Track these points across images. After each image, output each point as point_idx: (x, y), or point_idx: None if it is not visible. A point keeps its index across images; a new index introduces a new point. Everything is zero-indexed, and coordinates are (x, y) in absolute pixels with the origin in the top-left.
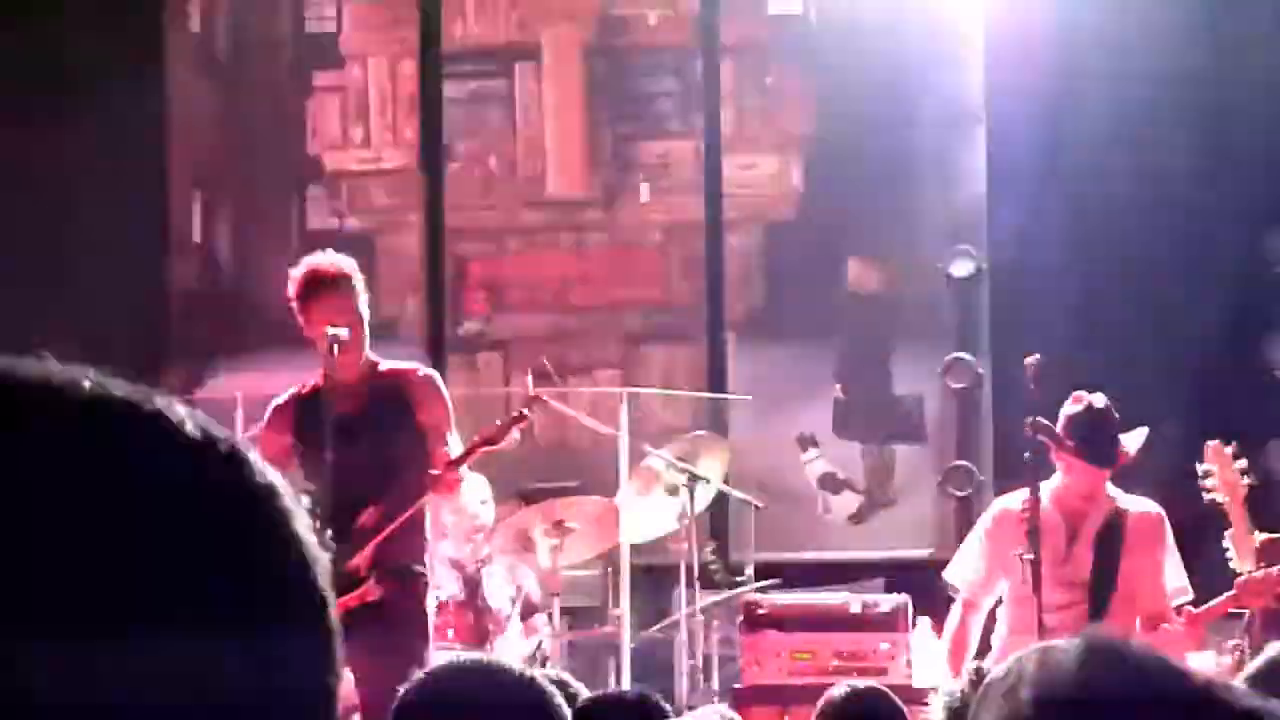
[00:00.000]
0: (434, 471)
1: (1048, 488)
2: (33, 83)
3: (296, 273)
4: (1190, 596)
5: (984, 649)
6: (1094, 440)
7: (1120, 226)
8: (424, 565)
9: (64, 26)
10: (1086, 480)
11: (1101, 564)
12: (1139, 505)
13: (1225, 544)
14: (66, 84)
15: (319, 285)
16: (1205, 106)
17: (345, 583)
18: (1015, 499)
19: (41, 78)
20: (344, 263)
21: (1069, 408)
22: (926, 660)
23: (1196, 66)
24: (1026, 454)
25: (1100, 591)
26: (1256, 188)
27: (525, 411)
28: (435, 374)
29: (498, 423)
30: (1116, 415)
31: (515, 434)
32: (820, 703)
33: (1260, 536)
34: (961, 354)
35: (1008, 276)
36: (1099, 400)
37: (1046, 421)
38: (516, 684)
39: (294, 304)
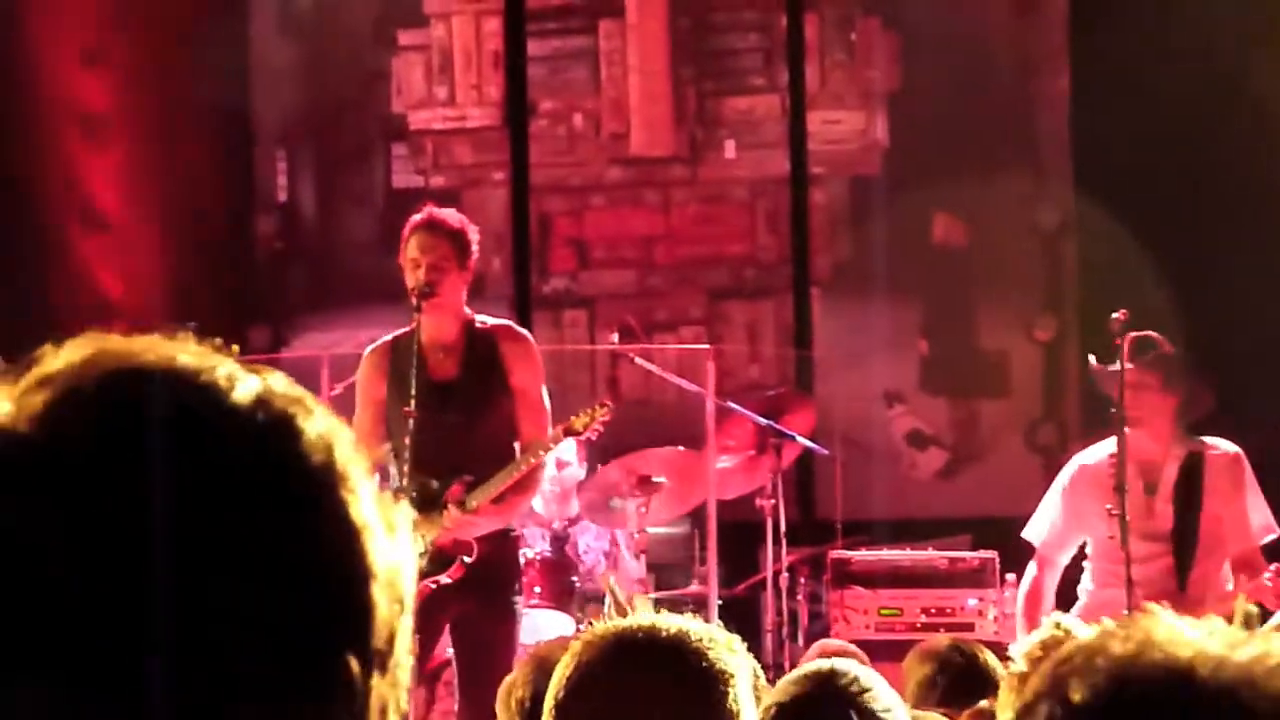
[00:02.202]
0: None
1: (1123, 442)
2: (121, 38)
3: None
4: (1277, 534)
5: (1066, 603)
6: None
7: (1208, 177)
8: (515, 525)
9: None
10: (1164, 425)
11: (1183, 512)
12: (1215, 447)
13: None
14: (157, 41)
15: (422, 230)
16: None
17: (440, 549)
18: (1092, 454)
19: (132, 32)
20: (459, 218)
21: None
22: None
23: None
24: (1112, 409)
25: (1184, 541)
26: None
27: (609, 404)
28: (529, 335)
29: (582, 415)
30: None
31: (598, 426)
32: (916, 655)
33: None
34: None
35: (1094, 230)
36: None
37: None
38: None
39: (402, 249)
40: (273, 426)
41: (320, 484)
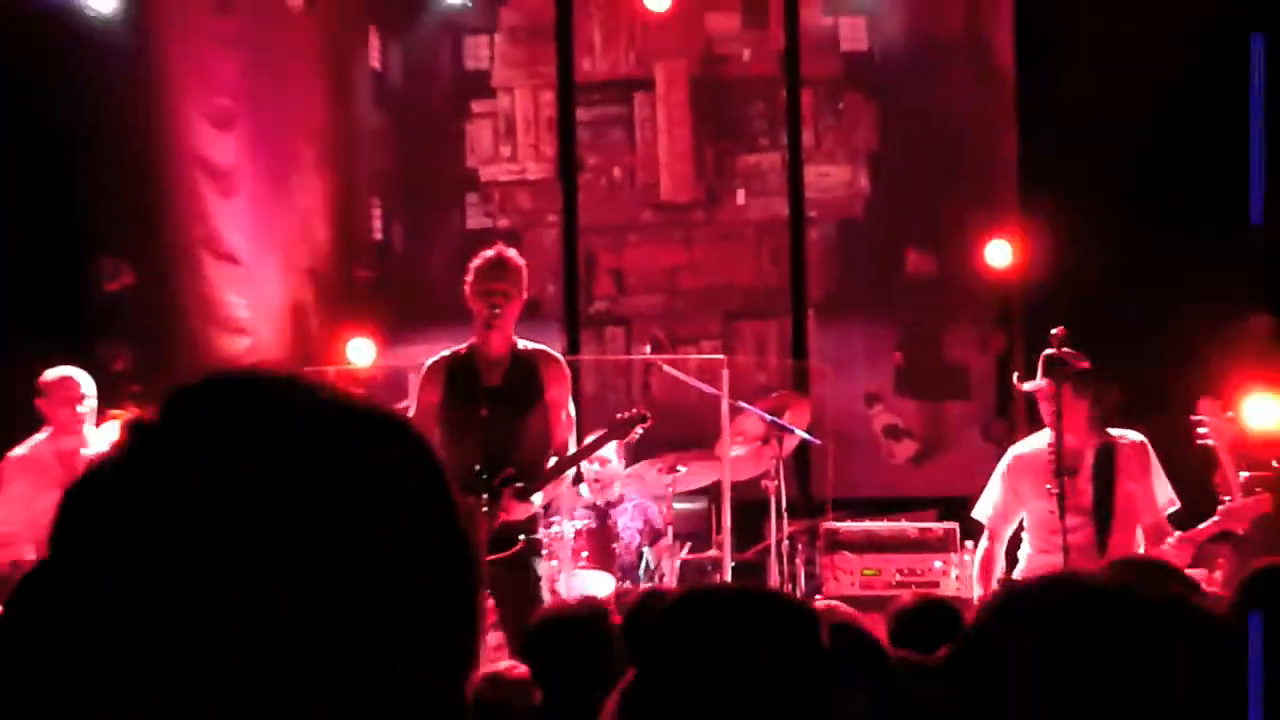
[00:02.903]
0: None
1: (1049, 434)
2: (246, 104)
3: (484, 254)
4: (1178, 505)
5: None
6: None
7: (1138, 219)
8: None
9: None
10: (1080, 422)
11: (1101, 491)
12: (1124, 437)
13: (1215, 480)
14: (275, 108)
15: (493, 267)
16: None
17: (494, 525)
18: (1026, 445)
19: (255, 99)
20: (515, 256)
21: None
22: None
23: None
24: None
25: (1102, 513)
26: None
27: (646, 414)
28: (561, 358)
29: (621, 419)
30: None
31: (638, 431)
32: (893, 608)
33: (1243, 474)
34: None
35: (1038, 262)
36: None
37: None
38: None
39: (468, 280)
40: (375, 425)
41: (438, 482)
